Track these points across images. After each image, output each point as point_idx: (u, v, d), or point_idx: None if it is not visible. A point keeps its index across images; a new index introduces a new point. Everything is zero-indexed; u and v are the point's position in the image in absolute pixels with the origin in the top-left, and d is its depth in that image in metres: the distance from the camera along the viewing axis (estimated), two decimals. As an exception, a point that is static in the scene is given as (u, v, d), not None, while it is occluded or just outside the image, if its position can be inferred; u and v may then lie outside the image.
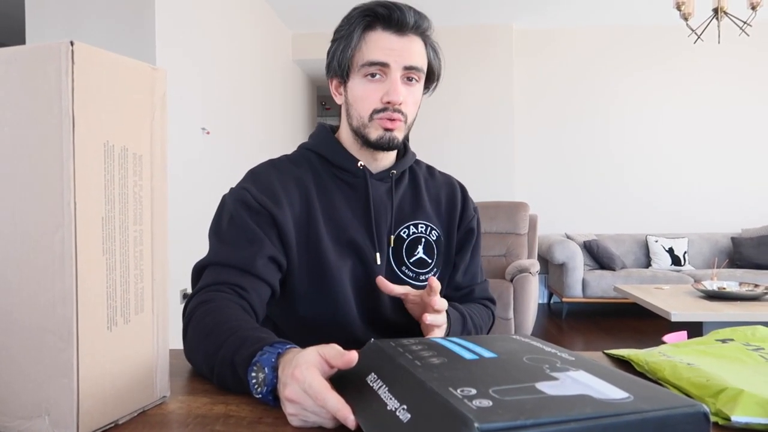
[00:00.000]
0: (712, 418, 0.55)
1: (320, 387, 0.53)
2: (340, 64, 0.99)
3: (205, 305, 0.82)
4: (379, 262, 1.00)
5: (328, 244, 0.98)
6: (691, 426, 0.42)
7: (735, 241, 5.14)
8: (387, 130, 0.97)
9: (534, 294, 3.89)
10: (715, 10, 3.75)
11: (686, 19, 3.78)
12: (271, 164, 1.04)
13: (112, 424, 0.57)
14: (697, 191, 5.56)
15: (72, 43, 0.50)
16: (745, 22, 3.88)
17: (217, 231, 0.96)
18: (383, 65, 0.95)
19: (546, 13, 5.28)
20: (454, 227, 1.11)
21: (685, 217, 5.54)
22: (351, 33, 0.97)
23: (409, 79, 0.98)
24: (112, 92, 0.56)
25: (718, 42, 4.14)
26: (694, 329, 2.57)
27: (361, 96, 0.98)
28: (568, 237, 5.34)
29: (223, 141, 3.79)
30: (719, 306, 2.83)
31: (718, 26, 3.88)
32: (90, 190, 0.53)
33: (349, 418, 0.51)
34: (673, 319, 2.69)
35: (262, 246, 0.92)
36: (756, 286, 3.10)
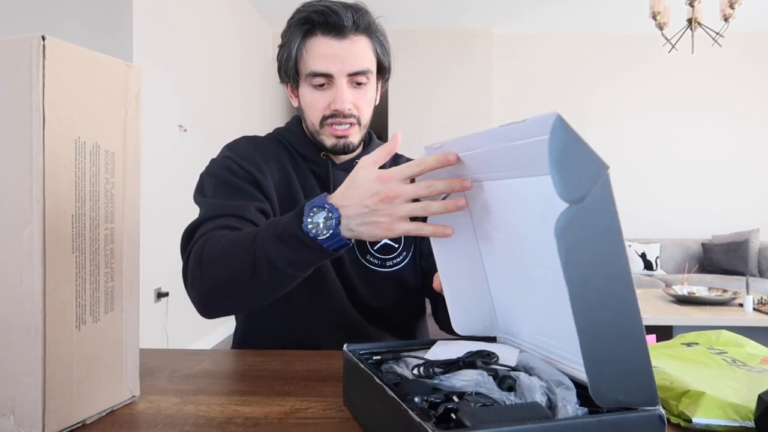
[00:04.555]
0: (675, 420, 0.57)
1: (408, 164, 0.56)
2: (286, 72, 0.99)
3: (212, 240, 0.80)
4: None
5: None
6: (647, 428, 0.43)
7: (705, 247, 5.25)
8: (340, 137, 0.98)
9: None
10: (690, 21, 3.83)
11: (661, 29, 3.86)
12: (248, 139, 1.06)
13: (80, 424, 0.56)
14: (669, 198, 5.67)
15: (44, 38, 0.50)
16: (718, 33, 3.97)
17: (203, 193, 0.96)
18: (326, 75, 0.95)
19: (525, 19, 5.33)
20: None
21: (658, 223, 5.64)
22: (291, 41, 0.96)
23: (358, 83, 0.97)
24: (84, 88, 0.55)
25: (692, 52, 4.23)
26: (665, 333, 2.62)
27: (309, 104, 0.98)
28: (544, 240, 5.39)
29: (200, 138, 3.75)
30: (689, 310, 2.88)
31: (692, 36, 3.97)
32: (60, 187, 0.52)
33: (449, 156, 0.53)
34: (644, 323, 2.73)
35: (252, 197, 0.93)
36: (724, 291, 3.17)
